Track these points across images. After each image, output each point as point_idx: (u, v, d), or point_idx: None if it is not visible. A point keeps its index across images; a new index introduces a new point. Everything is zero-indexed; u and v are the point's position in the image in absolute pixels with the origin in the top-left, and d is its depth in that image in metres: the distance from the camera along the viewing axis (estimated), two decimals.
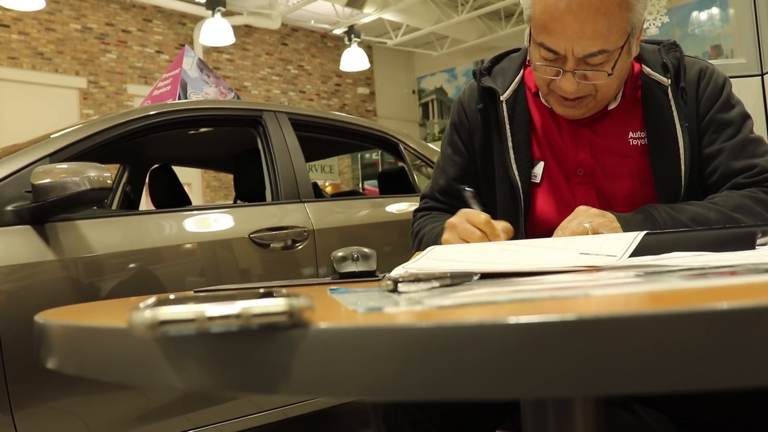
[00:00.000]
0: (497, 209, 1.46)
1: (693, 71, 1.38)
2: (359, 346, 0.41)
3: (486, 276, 0.77)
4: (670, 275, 0.63)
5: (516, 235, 1.37)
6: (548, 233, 1.26)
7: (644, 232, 0.93)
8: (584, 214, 1.20)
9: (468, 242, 1.20)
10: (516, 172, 1.41)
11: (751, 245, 0.90)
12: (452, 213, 1.32)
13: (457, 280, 0.70)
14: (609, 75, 1.25)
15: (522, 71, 1.46)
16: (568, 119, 1.39)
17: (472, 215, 1.23)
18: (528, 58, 1.40)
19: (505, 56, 1.53)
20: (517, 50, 1.52)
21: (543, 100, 1.41)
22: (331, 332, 0.43)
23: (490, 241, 1.18)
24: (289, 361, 0.43)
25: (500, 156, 1.45)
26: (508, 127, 1.42)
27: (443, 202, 1.56)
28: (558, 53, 1.25)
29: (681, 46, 1.41)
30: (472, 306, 0.51)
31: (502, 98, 1.43)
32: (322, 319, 0.44)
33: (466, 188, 1.35)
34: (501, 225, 1.22)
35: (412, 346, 0.40)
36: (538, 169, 1.42)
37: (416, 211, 1.62)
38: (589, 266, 0.81)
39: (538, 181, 1.42)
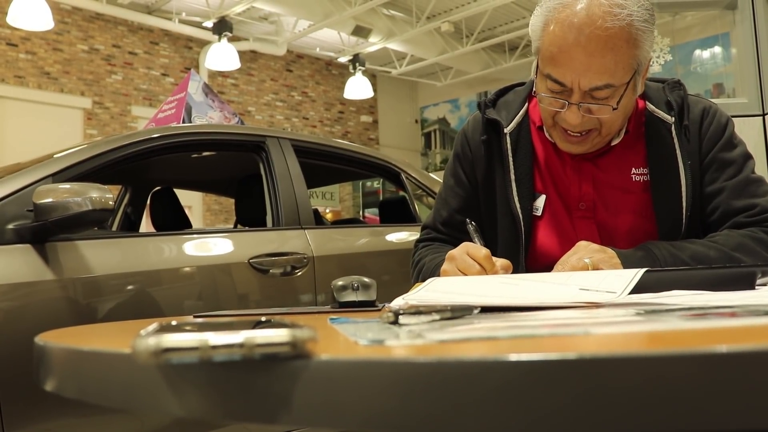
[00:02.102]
0: (498, 241, 1.46)
1: (696, 110, 1.39)
2: (361, 379, 0.42)
3: (486, 309, 0.77)
4: (670, 314, 0.63)
5: (516, 268, 1.38)
6: (549, 266, 1.26)
7: (644, 270, 0.93)
8: (585, 249, 1.21)
9: (466, 275, 1.20)
10: (518, 205, 1.41)
11: (750, 285, 0.90)
12: (453, 244, 1.33)
13: (458, 313, 0.70)
14: (614, 110, 1.26)
15: (526, 105, 1.47)
16: (571, 155, 1.40)
17: (472, 249, 1.23)
18: (533, 90, 1.41)
19: (510, 89, 1.54)
20: (522, 84, 1.54)
21: (547, 134, 1.42)
22: (333, 364, 0.43)
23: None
24: (291, 391, 0.43)
25: (502, 188, 1.45)
26: (511, 159, 1.43)
27: (445, 233, 1.57)
28: (564, 85, 1.26)
29: (685, 85, 1.42)
30: (472, 341, 0.51)
31: (506, 131, 1.44)
32: (323, 351, 0.44)
33: (470, 222, 1.36)
34: (500, 262, 1.22)
35: (413, 379, 0.40)
36: (540, 202, 1.42)
37: (418, 241, 1.63)
38: (588, 302, 0.82)
39: (540, 214, 1.42)
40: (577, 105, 1.26)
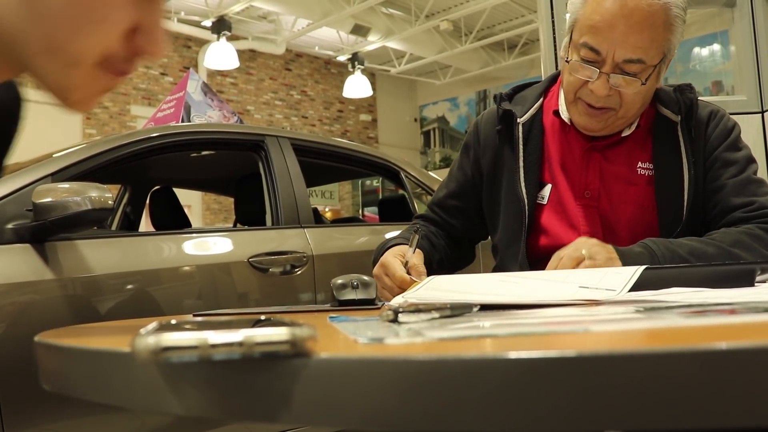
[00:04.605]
0: (500, 227, 1.52)
1: (704, 112, 1.45)
2: (360, 377, 0.42)
3: (485, 307, 0.77)
4: (669, 311, 0.63)
5: (517, 254, 1.44)
6: (550, 252, 1.27)
7: (643, 267, 0.93)
8: (584, 244, 1.21)
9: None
10: (524, 190, 1.45)
11: (750, 282, 0.90)
12: (443, 226, 1.61)
13: (457, 311, 0.70)
14: (642, 84, 1.31)
15: (542, 99, 1.53)
16: (582, 144, 1.44)
17: (392, 269, 1.32)
18: (549, 86, 1.52)
19: (528, 85, 1.60)
20: (538, 82, 1.60)
21: (564, 116, 1.46)
22: (333, 362, 0.43)
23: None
24: (290, 390, 0.43)
25: (510, 176, 1.50)
26: (521, 148, 1.48)
27: (436, 214, 1.65)
28: (599, 53, 1.31)
29: (696, 90, 1.47)
30: (472, 339, 0.51)
31: (519, 121, 1.50)
32: (323, 349, 0.44)
33: (417, 229, 1.38)
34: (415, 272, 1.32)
35: (412, 377, 0.40)
36: (546, 191, 1.47)
37: (415, 216, 1.74)
38: (588, 300, 0.82)
39: (545, 203, 1.47)
40: (607, 75, 1.31)
